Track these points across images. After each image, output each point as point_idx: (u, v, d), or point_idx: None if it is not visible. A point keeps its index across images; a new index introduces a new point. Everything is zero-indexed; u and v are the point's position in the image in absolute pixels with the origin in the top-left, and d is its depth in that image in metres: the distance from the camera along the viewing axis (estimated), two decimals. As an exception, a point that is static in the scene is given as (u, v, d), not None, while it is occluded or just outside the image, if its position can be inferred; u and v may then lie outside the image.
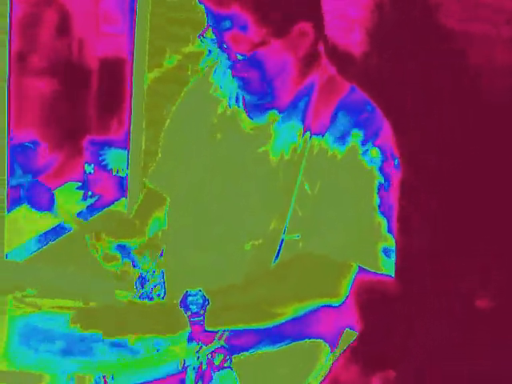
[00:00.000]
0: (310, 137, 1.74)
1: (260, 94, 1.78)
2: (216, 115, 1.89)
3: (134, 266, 2.01)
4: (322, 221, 1.72)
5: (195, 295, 1.62)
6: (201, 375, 1.58)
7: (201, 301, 1.61)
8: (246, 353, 1.79)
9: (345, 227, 1.70)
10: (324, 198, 1.73)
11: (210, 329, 1.62)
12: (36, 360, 1.54)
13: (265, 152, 1.80)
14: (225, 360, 1.61)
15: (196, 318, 1.61)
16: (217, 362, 1.60)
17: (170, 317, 1.61)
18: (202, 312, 1.61)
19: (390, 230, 1.72)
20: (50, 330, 1.64)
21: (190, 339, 1.60)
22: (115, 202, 3.69)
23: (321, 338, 1.88)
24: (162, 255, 2.02)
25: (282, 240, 1.76)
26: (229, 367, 1.61)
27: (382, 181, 1.71)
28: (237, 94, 1.86)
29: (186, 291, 1.63)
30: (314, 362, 1.89)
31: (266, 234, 1.77)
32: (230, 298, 1.68)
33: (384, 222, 1.71)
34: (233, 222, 1.82)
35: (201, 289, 1.64)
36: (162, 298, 2.00)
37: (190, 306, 1.61)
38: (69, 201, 3.68)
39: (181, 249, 1.91)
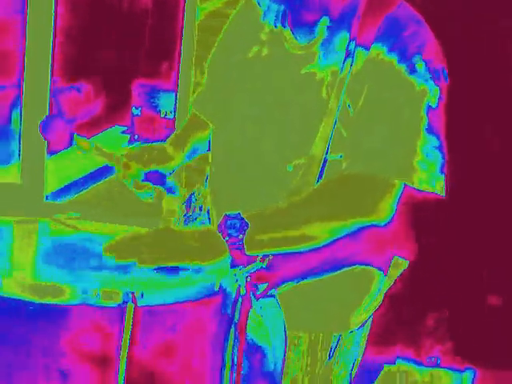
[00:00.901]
0: (355, 52, 1.72)
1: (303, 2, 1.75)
2: (261, 36, 1.88)
3: (170, 192, 1.99)
4: (365, 139, 1.68)
5: (234, 218, 1.56)
6: (238, 299, 1.49)
7: (239, 224, 1.56)
8: (291, 283, 1.74)
9: (388, 145, 1.66)
10: (366, 117, 1.69)
11: (250, 253, 1.55)
12: (63, 275, 1.50)
13: (309, 71, 1.77)
14: (269, 289, 1.56)
15: (235, 243, 1.55)
16: (260, 290, 1.54)
17: (209, 242, 1.55)
18: (240, 236, 1.55)
19: (439, 148, 1.66)
20: (85, 248, 1.61)
21: (231, 265, 1.54)
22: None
23: (370, 265, 1.80)
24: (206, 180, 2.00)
25: (326, 160, 1.72)
26: (273, 296, 1.56)
27: (428, 95, 1.66)
28: (282, 13, 1.85)
29: (225, 215, 1.57)
30: (363, 292, 1.85)
31: (308, 154, 1.73)
32: (271, 220, 1.62)
33: (431, 139, 1.66)
34: (276, 142, 1.79)
35: (240, 212, 1.58)
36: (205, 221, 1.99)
37: (229, 231, 1.55)
38: (113, 146, 3.62)
39: (225, 172, 1.90)
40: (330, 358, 1.82)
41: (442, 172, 1.66)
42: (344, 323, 1.83)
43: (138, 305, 1.39)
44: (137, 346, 1.41)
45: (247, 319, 1.51)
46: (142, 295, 1.40)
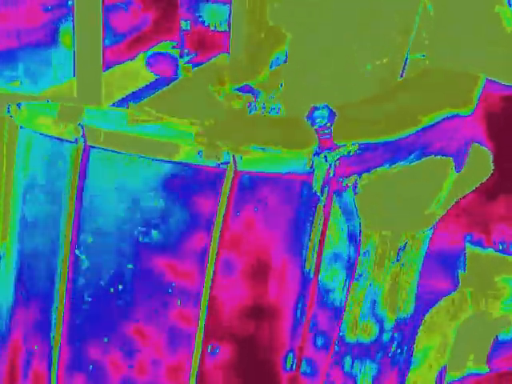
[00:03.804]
0: None
1: None
2: None
3: (256, 97, 2.10)
4: (447, 37, 1.76)
5: (321, 108, 1.64)
6: (328, 181, 1.60)
7: (327, 114, 1.63)
8: (372, 171, 1.81)
9: (471, 39, 1.75)
10: (448, 14, 1.77)
11: (338, 142, 1.65)
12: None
13: None
14: (349, 182, 1.66)
15: (324, 131, 1.63)
16: (344, 183, 1.65)
17: (298, 130, 1.65)
18: (329, 125, 1.63)
19: None
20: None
21: (319, 153, 1.63)
22: (213, 59, 3.67)
23: (449, 155, 1.87)
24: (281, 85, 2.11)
25: (407, 59, 1.82)
26: (350, 187, 1.66)
27: None
28: None
29: (312, 105, 1.65)
30: (436, 189, 1.94)
31: (390, 54, 1.82)
32: (358, 110, 1.73)
33: None
34: (356, 42, 1.88)
35: (326, 103, 1.66)
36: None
37: (317, 120, 1.63)
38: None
39: (301, 74, 1.99)
40: (398, 258, 1.91)
41: None
42: (415, 221, 1.93)
43: (238, 168, 1.52)
44: (231, 213, 1.53)
45: (332, 202, 1.62)
46: (241, 158, 1.53)
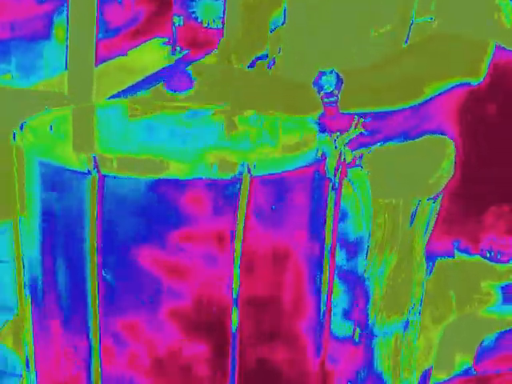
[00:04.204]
0: None
1: None
2: None
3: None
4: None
5: (329, 74, 1.62)
6: (340, 165, 1.58)
7: (335, 80, 1.60)
8: (375, 147, 1.82)
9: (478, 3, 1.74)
10: None
11: (344, 110, 1.63)
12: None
13: None
14: (356, 158, 1.65)
15: (330, 99, 1.62)
16: (348, 160, 1.62)
17: (304, 96, 1.65)
18: (336, 92, 1.62)
19: None
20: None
21: (323, 127, 1.60)
22: (206, 56, 3.68)
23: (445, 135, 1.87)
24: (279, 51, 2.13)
25: (412, 23, 1.82)
26: (359, 165, 1.66)
27: None
28: None
29: (320, 70, 1.62)
30: (440, 160, 1.92)
31: (394, 20, 1.81)
32: (365, 77, 1.72)
33: None
34: (360, 9, 1.89)
35: (334, 68, 1.63)
36: None
37: (324, 86, 1.61)
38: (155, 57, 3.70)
39: (301, 38, 2.00)
40: (411, 224, 1.91)
41: None
42: (424, 188, 1.91)
43: (252, 174, 1.52)
44: (251, 219, 1.54)
45: (342, 186, 1.62)
46: (255, 166, 1.53)
